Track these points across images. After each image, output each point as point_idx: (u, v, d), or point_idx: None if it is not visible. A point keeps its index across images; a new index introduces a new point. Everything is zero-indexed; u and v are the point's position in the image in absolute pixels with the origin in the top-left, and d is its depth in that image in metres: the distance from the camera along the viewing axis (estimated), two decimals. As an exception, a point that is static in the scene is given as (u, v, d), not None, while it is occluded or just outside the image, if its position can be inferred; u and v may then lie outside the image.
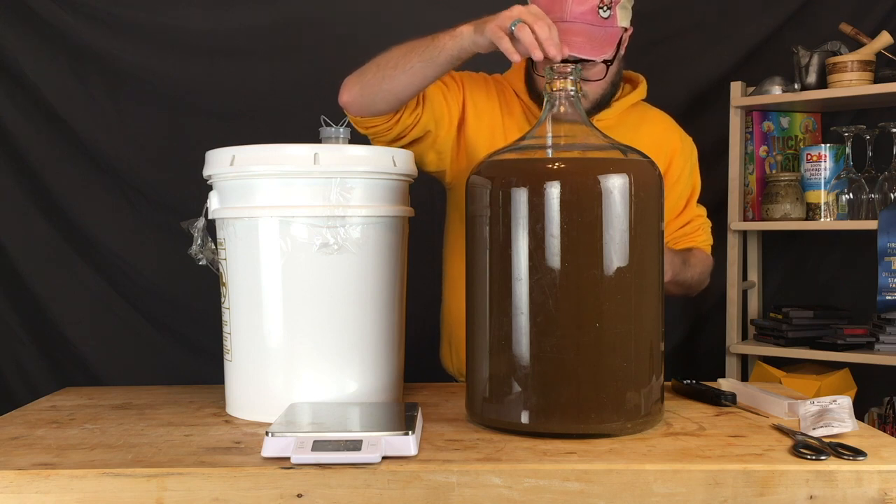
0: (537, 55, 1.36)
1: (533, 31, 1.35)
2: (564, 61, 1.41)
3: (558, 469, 0.99)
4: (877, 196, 2.36)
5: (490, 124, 1.65)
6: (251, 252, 1.26)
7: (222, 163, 1.26)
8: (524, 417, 1.12)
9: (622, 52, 1.59)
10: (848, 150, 2.42)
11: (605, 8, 1.48)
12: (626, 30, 1.56)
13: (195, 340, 2.54)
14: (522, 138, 1.23)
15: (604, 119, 1.63)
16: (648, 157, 1.18)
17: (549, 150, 1.21)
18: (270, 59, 2.55)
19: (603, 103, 1.63)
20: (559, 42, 1.37)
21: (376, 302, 1.28)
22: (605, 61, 1.53)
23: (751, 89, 2.54)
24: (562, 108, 1.20)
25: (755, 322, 2.61)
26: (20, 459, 1.05)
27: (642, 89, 1.72)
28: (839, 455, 1.02)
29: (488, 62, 1.60)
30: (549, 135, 1.20)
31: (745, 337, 2.62)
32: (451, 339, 1.74)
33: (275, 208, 1.24)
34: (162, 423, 1.24)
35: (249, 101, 2.53)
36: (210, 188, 1.32)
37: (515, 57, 1.37)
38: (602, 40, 1.49)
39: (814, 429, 1.10)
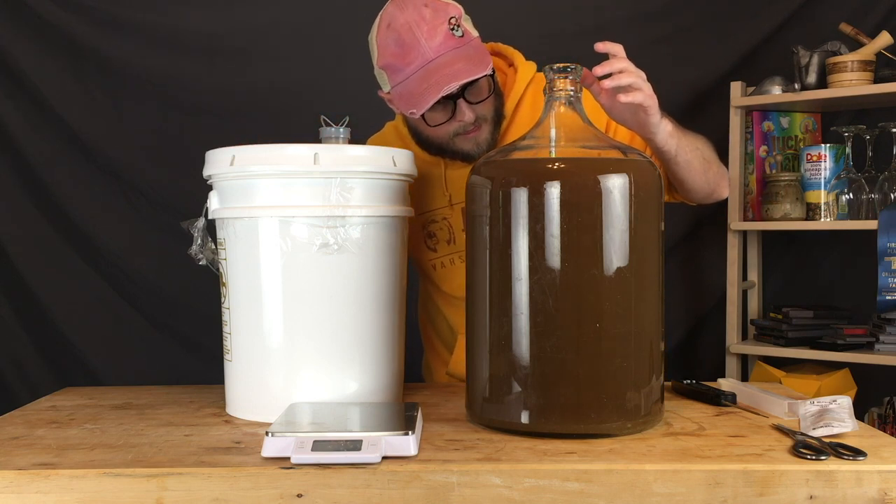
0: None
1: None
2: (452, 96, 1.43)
3: (558, 469, 0.99)
4: (877, 196, 2.36)
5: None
6: (251, 252, 1.26)
7: (222, 163, 1.26)
8: (524, 417, 1.12)
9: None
10: (848, 150, 2.42)
11: (455, 28, 1.43)
12: (479, 36, 1.49)
13: (195, 340, 2.55)
14: (522, 138, 1.23)
15: (519, 115, 1.54)
16: (648, 157, 1.18)
17: (549, 150, 1.20)
18: (270, 59, 2.56)
19: (501, 111, 1.54)
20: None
21: (376, 302, 1.28)
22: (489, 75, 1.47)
23: (751, 89, 2.54)
24: (561, 109, 1.20)
25: (755, 322, 2.61)
26: (20, 459, 1.04)
27: (526, 65, 1.60)
28: (839, 455, 1.02)
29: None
30: (549, 135, 1.20)
31: (745, 337, 2.62)
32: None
33: (275, 208, 1.23)
34: (162, 423, 1.24)
35: (249, 101, 2.53)
36: (210, 188, 1.32)
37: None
38: (474, 56, 1.44)
39: (814, 429, 1.10)
